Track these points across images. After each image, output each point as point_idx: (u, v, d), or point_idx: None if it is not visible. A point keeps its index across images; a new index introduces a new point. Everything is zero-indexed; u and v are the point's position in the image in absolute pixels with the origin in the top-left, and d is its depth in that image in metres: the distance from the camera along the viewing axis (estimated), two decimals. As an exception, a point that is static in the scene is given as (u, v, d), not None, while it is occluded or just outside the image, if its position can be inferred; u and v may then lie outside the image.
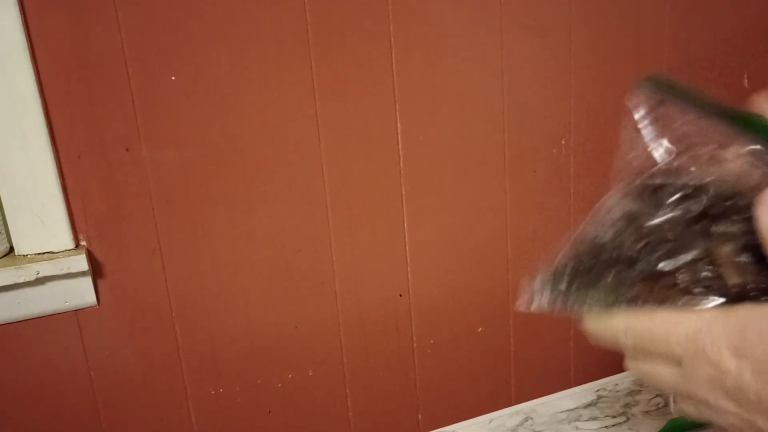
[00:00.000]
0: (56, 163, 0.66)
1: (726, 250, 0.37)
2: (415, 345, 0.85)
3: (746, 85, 0.92)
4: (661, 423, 0.75)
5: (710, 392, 0.36)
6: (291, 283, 0.77)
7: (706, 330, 0.35)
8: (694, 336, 0.36)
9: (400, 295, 0.82)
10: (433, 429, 0.72)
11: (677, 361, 0.37)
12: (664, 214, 0.38)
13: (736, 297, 0.37)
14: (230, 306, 0.75)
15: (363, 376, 0.83)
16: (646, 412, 0.77)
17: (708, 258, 0.37)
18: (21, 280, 0.65)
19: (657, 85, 0.39)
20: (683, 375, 0.37)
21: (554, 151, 0.84)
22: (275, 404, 0.80)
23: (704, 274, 0.37)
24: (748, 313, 0.34)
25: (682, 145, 0.39)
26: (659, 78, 0.40)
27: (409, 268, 0.82)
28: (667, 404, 0.78)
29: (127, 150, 0.68)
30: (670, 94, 0.39)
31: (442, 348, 0.86)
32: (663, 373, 0.39)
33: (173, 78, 0.67)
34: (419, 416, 0.87)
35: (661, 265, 0.37)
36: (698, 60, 0.89)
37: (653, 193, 0.39)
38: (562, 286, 0.40)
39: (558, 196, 0.86)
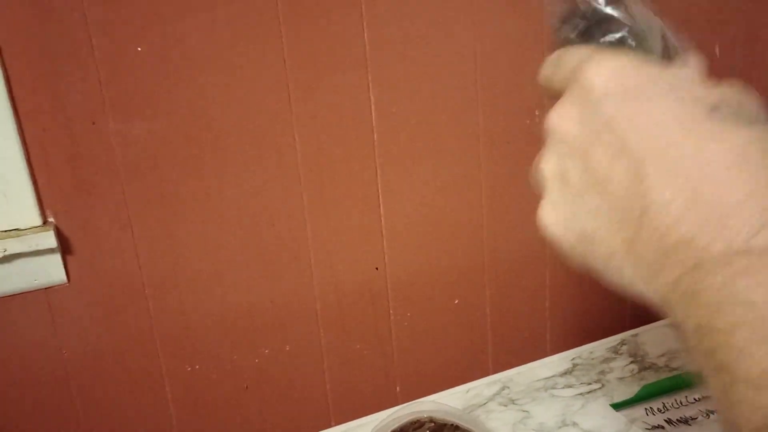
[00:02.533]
0: (20, 138, 0.64)
1: None
2: (391, 318, 0.85)
3: (718, 54, 0.93)
4: (636, 389, 0.76)
5: (568, 111, 0.34)
6: (265, 258, 0.76)
7: (608, 55, 0.34)
8: (591, 57, 0.34)
9: (376, 269, 0.82)
10: (411, 400, 0.72)
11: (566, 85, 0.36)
12: None
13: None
14: (204, 281, 0.74)
15: (340, 350, 0.83)
16: (621, 378, 0.78)
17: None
18: (-13, 258, 0.64)
19: None
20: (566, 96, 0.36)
21: (528, 122, 0.84)
22: (252, 380, 0.79)
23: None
24: (642, 62, 0.34)
25: None
26: None
27: (384, 241, 0.82)
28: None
29: (93, 123, 0.66)
30: None
31: (419, 320, 0.86)
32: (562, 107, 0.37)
33: (139, 49, 0.66)
34: (397, 388, 0.87)
35: None
36: (669, 28, 0.89)
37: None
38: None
39: (532, 166, 0.86)
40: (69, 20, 0.63)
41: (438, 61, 0.78)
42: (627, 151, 0.30)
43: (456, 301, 0.88)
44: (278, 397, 0.81)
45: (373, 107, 0.76)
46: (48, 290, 0.69)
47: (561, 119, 0.34)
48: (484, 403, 0.76)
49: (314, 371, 0.82)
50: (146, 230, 0.70)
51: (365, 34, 0.74)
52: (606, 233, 0.31)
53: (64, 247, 0.68)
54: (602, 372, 0.80)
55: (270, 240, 0.76)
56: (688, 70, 0.34)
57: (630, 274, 0.31)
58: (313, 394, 0.83)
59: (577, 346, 0.85)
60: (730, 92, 0.32)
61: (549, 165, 0.35)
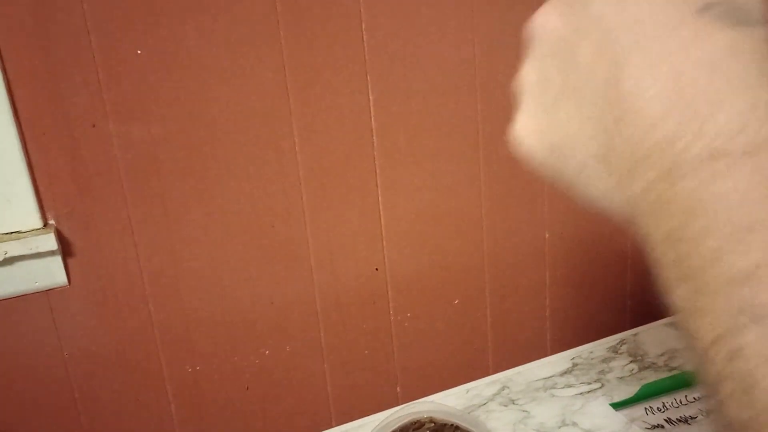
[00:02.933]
0: (21, 142, 0.64)
1: None
2: (392, 318, 0.85)
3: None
4: (635, 388, 0.76)
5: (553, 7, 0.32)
6: (266, 259, 0.76)
7: None
8: None
9: (376, 269, 0.82)
10: (412, 401, 0.73)
11: None
12: None
13: None
14: (205, 282, 0.74)
15: (340, 350, 0.83)
16: (621, 377, 0.78)
17: None
18: (-12, 260, 0.64)
19: None
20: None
21: (527, 121, 0.84)
22: (253, 380, 0.80)
23: None
24: None
25: None
26: None
27: (384, 242, 0.82)
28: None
29: (93, 126, 0.66)
30: None
31: (419, 321, 0.86)
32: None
33: (139, 52, 0.66)
34: (398, 389, 0.88)
35: None
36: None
37: None
38: None
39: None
40: (69, 24, 0.63)
41: (436, 63, 0.78)
42: (610, 49, 0.28)
43: (456, 302, 0.88)
44: (279, 398, 0.82)
45: (372, 109, 0.76)
46: (49, 292, 0.69)
47: (546, 18, 0.32)
48: (484, 403, 0.76)
49: (315, 372, 0.83)
50: (147, 232, 0.71)
51: (364, 37, 0.74)
52: (580, 143, 0.30)
53: (65, 250, 0.68)
54: (602, 371, 0.80)
55: (270, 241, 0.76)
56: None
57: (601, 187, 0.29)
58: (314, 394, 0.84)
59: (576, 345, 0.85)
60: None
61: (529, 72, 0.34)
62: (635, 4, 0.28)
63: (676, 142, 0.25)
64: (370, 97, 0.76)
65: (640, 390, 0.76)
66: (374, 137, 0.78)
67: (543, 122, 0.33)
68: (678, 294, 0.24)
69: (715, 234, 0.23)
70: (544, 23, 0.33)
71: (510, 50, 0.81)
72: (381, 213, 0.81)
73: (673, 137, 0.25)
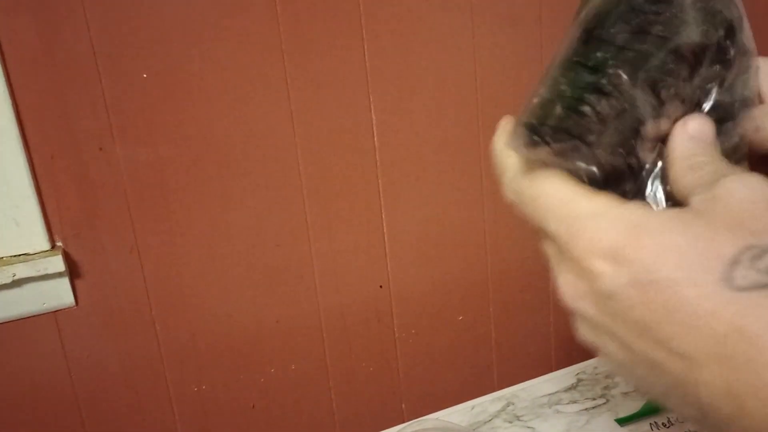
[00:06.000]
0: (29, 165, 0.65)
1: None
2: (396, 335, 0.85)
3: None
4: (640, 404, 0.76)
5: (577, 289, 0.31)
6: (270, 278, 0.77)
7: (591, 220, 0.31)
8: (574, 221, 0.31)
9: (380, 287, 0.83)
10: (417, 418, 0.73)
11: (552, 239, 0.33)
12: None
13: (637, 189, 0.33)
14: (210, 302, 0.75)
15: (345, 368, 0.84)
16: (626, 393, 0.78)
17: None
18: (-3, 282, 0.65)
19: None
20: (558, 256, 0.32)
21: (529, 139, 0.85)
22: (258, 399, 0.80)
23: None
24: (645, 215, 0.30)
25: None
26: None
27: (388, 259, 0.82)
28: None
29: (100, 149, 0.67)
30: None
31: (424, 337, 0.87)
32: (547, 250, 0.34)
33: (144, 75, 0.67)
34: (403, 406, 0.88)
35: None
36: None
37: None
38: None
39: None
40: (76, 48, 0.64)
41: (439, 81, 0.79)
42: (660, 346, 0.28)
43: (460, 318, 0.88)
44: (285, 416, 0.82)
45: (374, 128, 0.77)
46: (57, 313, 0.70)
47: (572, 298, 0.31)
48: (489, 420, 0.76)
49: (320, 389, 0.83)
50: (153, 253, 0.71)
51: (366, 57, 0.75)
52: (663, 392, 0.30)
53: (73, 271, 0.69)
54: (607, 387, 0.80)
55: (275, 261, 0.77)
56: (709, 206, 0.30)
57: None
58: (320, 412, 0.84)
59: (581, 361, 0.85)
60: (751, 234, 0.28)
61: (583, 334, 0.33)
62: (662, 293, 0.27)
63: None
64: (373, 117, 0.77)
65: (644, 405, 0.76)
66: (377, 156, 0.78)
67: (618, 366, 0.32)
68: None
69: None
70: (571, 302, 0.32)
71: (511, 68, 0.82)
72: (384, 231, 0.81)
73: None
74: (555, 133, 0.33)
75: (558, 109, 0.33)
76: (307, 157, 0.75)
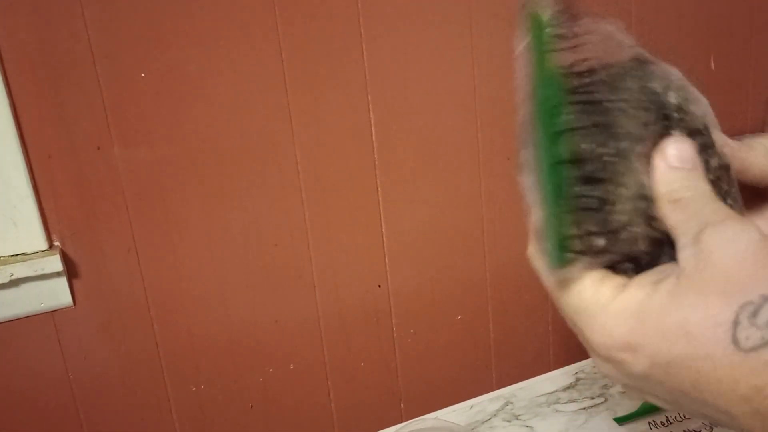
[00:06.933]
0: (27, 164, 0.65)
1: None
2: (395, 335, 0.85)
3: (713, 67, 0.94)
4: (639, 403, 0.76)
5: (610, 373, 0.33)
6: (269, 278, 0.77)
7: (600, 315, 0.32)
8: (587, 318, 0.33)
9: (379, 286, 0.83)
10: (416, 417, 0.73)
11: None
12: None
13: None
14: (208, 302, 0.75)
15: (344, 368, 0.83)
16: (624, 392, 0.78)
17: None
18: (-6, 283, 0.65)
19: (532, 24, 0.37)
20: (587, 344, 0.34)
21: (527, 138, 0.85)
22: (257, 399, 0.80)
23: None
24: (642, 300, 0.31)
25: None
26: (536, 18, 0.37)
27: (386, 259, 0.82)
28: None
29: (98, 149, 0.67)
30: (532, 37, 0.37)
31: (423, 337, 0.87)
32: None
33: (143, 75, 0.67)
34: (402, 405, 0.88)
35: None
36: (664, 43, 0.90)
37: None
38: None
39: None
40: (74, 48, 0.64)
41: (437, 81, 0.79)
42: (702, 404, 0.30)
43: (459, 317, 0.88)
44: (283, 416, 0.82)
45: (373, 127, 0.77)
46: (54, 313, 0.69)
47: (610, 379, 0.34)
48: (488, 419, 0.76)
49: (319, 389, 0.83)
50: (151, 253, 0.71)
51: (364, 56, 0.75)
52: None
53: (70, 271, 0.69)
54: (605, 386, 0.80)
55: (273, 260, 0.76)
56: (699, 269, 0.30)
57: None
58: (318, 412, 0.84)
59: (579, 360, 0.85)
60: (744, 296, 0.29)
61: (628, 394, 0.36)
62: (674, 369, 0.29)
63: None
64: (371, 116, 0.77)
65: (643, 404, 0.76)
66: (375, 155, 0.78)
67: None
68: None
69: None
70: (605, 374, 0.34)
71: (509, 68, 0.82)
72: (383, 230, 0.81)
73: None
74: (576, 253, 0.34)
75: (566, 228, 0.34)
76: (305, 157, 0.75)
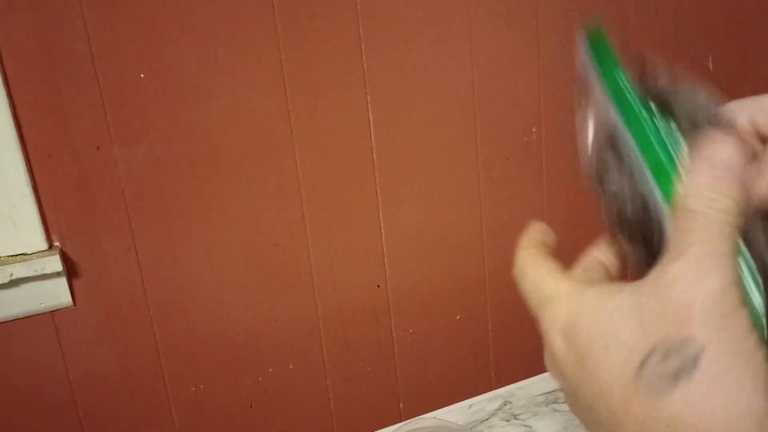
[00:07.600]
0: (26, 164, 0.65)
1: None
2: (394, 335, 0.85)
3: (711, 68, 0.94)
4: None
5: (551, 365, 0.34)
6: (268, 277, 0.77)
7: (557, 302, 0.33)
8: (544, 303, 0.34)
9: (378, 286, 0.83)
10: (414, 417, 0.73)
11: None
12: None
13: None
14: (208, 302, 0.75)
15: (343, 367, 0.84)
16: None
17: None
18: (-6, 282, 0.65)
19: (591, 43, 0.35)
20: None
21: (525, 138, 0.85)
22: (256, 398, 0.80)
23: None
24: (595, 300, 0.31)
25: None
26: (595, 35, 0.35)
27: (385, 259, 0.82)
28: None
29: (97, 149, 0.67)
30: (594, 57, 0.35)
31: (421, 337, 0.87)
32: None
33: (142, 75, 0.67)
34: (400, 405, 0.88)
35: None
36: (663, 43, 0.90)
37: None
38: None
39: (530, 182, 0.87)
40: (74, 48, 0.64)
41: (435, 81, 0.79)
42: (605, 422, 0.30)
43: (457, 317, 0.88)
44: (282, 415, 0.82)
45: (372, 127, 0.77)
46: (54, 313, 0.70)
47: (547, 363, 0.35)
48: (487, 419, 0.76)
49: (318, 388, 0.83)
50: (150, 253, 0.71)
51: (362, 55, 0.75)
52: None
53: (70, 271, 0.69)
54: (603, 385, 0.80)
55: (273, 260, 0.77)
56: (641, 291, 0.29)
57: None
58: (317, 411, 0.84)
59: (578, 359, 0.85)
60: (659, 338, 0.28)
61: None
62: (594, 374, 0.30)
63: None
64: (370, 116, 0.77)
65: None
66: (374, 155, 0.78)
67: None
68: None
69: None
70: (548, 367, 0.35)
71: (508, 66, 0.82)
72: (382, 230, 0.81)
73: None
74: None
75: None
76: (304, 157, 0.75)
